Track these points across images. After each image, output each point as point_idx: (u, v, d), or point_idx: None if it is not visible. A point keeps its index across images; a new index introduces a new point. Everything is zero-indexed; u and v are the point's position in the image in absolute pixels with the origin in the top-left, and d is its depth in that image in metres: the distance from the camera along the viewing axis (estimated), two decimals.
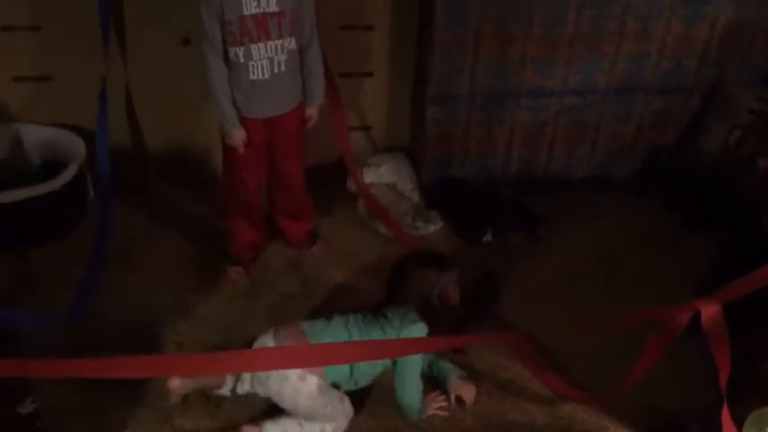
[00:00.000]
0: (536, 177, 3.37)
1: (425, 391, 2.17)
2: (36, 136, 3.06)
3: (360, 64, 3.15)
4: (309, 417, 1.99)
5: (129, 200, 3.08)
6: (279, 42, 2.30)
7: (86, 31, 2.85)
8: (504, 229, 3.04)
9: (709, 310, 1.64)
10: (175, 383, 2.07)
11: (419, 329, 2.04)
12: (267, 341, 2.06)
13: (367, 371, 2.10)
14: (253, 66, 2.30)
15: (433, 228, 3.07)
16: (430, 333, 2.06)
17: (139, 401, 2.15)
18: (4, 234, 2.73)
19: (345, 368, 2.03)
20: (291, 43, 2.34)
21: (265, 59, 2.30)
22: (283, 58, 2.33)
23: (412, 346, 1.94)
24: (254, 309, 2.57)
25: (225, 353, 2.12)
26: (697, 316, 1.68)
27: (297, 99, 2.48)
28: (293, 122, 2.51)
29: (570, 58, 3.05)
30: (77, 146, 2.94)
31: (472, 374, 2.33)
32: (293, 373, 1.93)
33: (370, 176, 3.15)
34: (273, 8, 2.25)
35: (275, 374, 1.96)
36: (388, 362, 2.10)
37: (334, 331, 2.08)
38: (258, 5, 2.23)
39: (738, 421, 1.71)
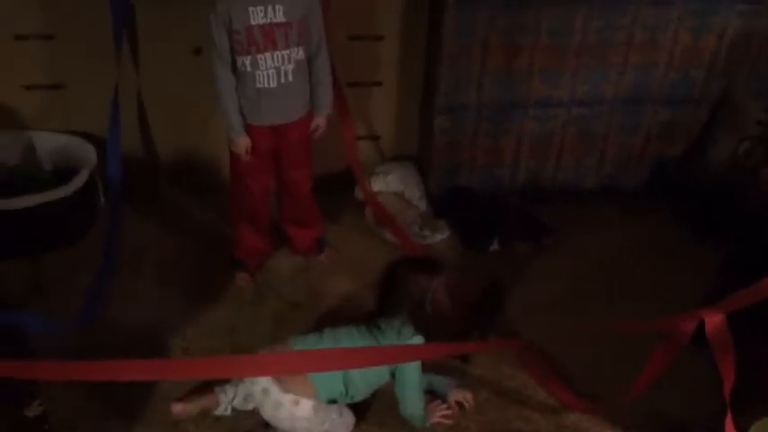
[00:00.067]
0: (544, 187, 3.37)
1: (427, 401, 2.17)
2: (48, 143, 3.10)
3: (369, 73, 3.18)
4: None
5: (138, 206, 3.12)
6: (286, 52, 2.32)
7: (98, 40, 2.89)
8: (510, 238, 3.04)
9: (714, 320, 1.64)
10: (178, 408, 2.09)
11: (417, 342, 2.03)
12: None
13: (362, 386, 2.06)
14: (259, 75, 2.33)
15: (440, 237, 3.08)
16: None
17: (146, 405, 2.17)
18: (15, 240, 2.76)
19: (339, 385, 1.99)
20: (299, 53, 2.37)
21: (272, 69, 2.33)
22: (290, 67, 2.35)
23: (415, 352, 1.95)
24: (261, 315, 2.59)
25: (230, 357, 2.13)
26: (703, 325, 1.68)
27: (304, 108, 2.50)
28: (300, 131, 2.53)
29: (578, 69, 3.06)
30: (89, 153, 2.98)
31: (477, 383, 2.33)
32: (287, 399, 1.92)
33: (377, 185, 3.17)
34: (280, 19, 2.27)
35: (270, 401, 1.95)
36: (384, 375, 2.07)
37: (326, 346, 2.05)
38: (265, 16, 2.26)
39: (742, 431, 1.71)
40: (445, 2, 2.84)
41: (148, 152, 3.26)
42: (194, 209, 3.18)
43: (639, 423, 2.19)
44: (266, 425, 2.06)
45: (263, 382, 1.94)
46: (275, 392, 1.91)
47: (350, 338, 2.06)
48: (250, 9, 2.24)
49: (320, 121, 2.56)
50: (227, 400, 2.11)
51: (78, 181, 2.80)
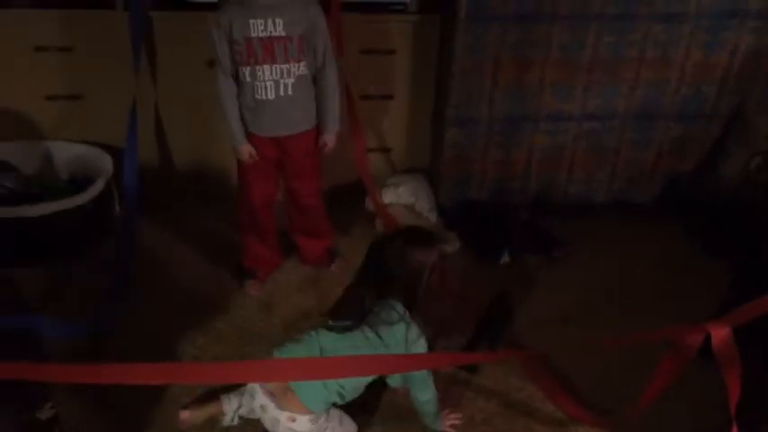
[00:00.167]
0: (554, 201, 3.38)
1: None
2: (66, 152, 3.16)
3: (381, 87, 3.21)
4: None
5: (153, 215, 3.17)
6: (285, 66, 2.35)
7: (115, 52, 2.96)
8: (521, 251, 3.05)
9: (720, 333, 1.63)
10: (185, 415, 2.10)
11: (422, 345, 1.98)
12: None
13: (351, 387, 1.99)
14: (258, 86, 2.37)
15: (450, 249, 3.09)
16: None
17: (156, 409, 2.19)
18: (32, 247, 2.81)
19: (327, 395, 1.94)
20: (300, 68, 2.39)
21: (270, 81, 2.36)
22: (290, 81, 2.38)
23: (422, 361, 1.95)
24: (270, 324, 2.60)
25: (238, 362, 2.14)
26: (709, 339, 1.67)
27: (308, 123, 2.52)
28: (303, 146, 2.54)
29: (589, 84, 3.08)
30: (105, 162, 3.03)
31: (485, 394, 2.33)
32: (283, 416, 1.91)
33: (388, 197, 3.19)
34: (280, 32, 2.31)
35: (268, 417, 1.95)
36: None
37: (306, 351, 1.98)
38: (265, 29, 2.30)
39: None
40: (456, 17, 2.87)
41: (163, 162, 3.31)
42: (206, 217, 3.23)
43: None
44: None
45: (261, 398, 1.94)
46: (272, 409, 1.92)
47: (330, 347, 1.97)
48: (251, 21, 2.29)
49: (328, 138, 2.57)
50: (233, 409, 2.11)
51: (94, 190, 2.85)
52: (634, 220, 3.32)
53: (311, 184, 2.69)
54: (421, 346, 1.98)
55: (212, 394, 2.16)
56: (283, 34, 2.31)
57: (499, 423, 2.25)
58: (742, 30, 3.01)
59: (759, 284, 2.21)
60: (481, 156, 3.22)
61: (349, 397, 2.01)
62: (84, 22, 2.96)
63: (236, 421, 2.13)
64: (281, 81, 2.37)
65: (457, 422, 2.19)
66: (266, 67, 2.34)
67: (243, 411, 2.13)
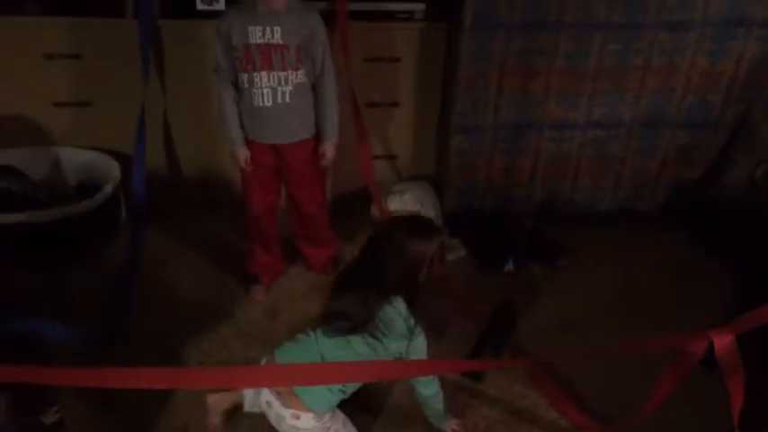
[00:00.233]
0: (560, 209, 3.38)
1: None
2: (74, 159, 3.20)
3: (387, 94, 3.23)
4: None
5: (160, 222, 3.19)
6: (283, 74, 2.37)
7: (123, 59, 2.99)
8: (525, 259, 3.05)
9: (723, 340, 1.63)
10: (213, 398, 2.09)
11: (422, 343, 1.95)
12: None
13: (353, 385, 1.97)
14: (255, 93, 2.39)
15: (455, 256, 3.10)
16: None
17: (161, 414, 2.20)
18: (39, 252, 2.83)
19: (330, 395, 1.93)
20: (298, 77, 2.40)
21: (267, 88, 2.38)
22: (288, 89, 2.39)
23: (426, 367, 1.95)
24: (275, 329, 2.61)
25: (243, 367, 2.16)
26: (712, 346, 1.67)
27: (307, 132, 2.53)
28: (302, 154, 2.55)
29: (594, 92, 3.08)
30: (113, 169, 3.06)
31: (489, 401, 2.33)
32: (287, 413, 1.92)
33: (394, 204, 3.20)
34: (278, 40, 2.33)
35: (273, 414, 1.96)
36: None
37: (302, 343, 2.00)
38: (263, 36, 2.32)
39: None
40: (462, 25, 2.88)
41: (171, 169, 3.33)
42: (213, 224, 3.24)
43: None
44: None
45: (266, 395, 1.94)
46: (276, 406, 1.93)
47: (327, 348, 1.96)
48: (249, 28, 2.32)
49: (326, 148, 2.57)
50: (249, 400, 2.11)
51: (101, 196, 2.88)
52: (639, 228, 3.32)
53: (312, 193, 2.69)
54: (421, 347, 1.96)
55: None
56: (281, 42, 2.33)
57: (503, 430, 2.24)
58: (748, 38, 3.01)
59: (764, 292, 2.22)
60: (486, 163, 3.22)
61: (350, 391, 2.01)
62: (93, 30, 2.99)
63: (256, 408, 2.10)
64: (279, 88, 2.39)
65: (457, 428, 2.18)
66: (264, 73, 2.36)
67: (248, 407, 2.12)
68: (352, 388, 2.00)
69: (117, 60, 3.02)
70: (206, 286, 2.85)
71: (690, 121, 3.19)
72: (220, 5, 2.93)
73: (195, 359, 2.46)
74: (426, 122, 3.32)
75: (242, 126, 2.50)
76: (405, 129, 3.33)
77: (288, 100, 2.41)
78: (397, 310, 1.92)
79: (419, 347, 1.96)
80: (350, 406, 2.06)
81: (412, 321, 1.92)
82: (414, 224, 1.99)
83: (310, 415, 1.92)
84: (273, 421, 1.98)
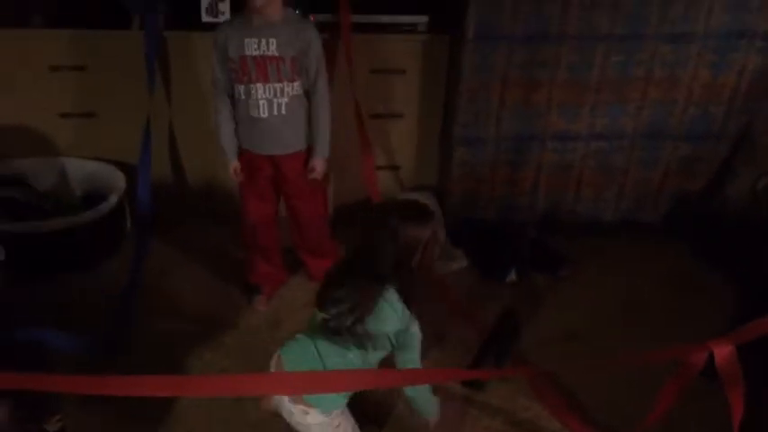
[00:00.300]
0: (562, 219, 3.39)
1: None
2: (79, 169, 3.22)
3: (391, 106, 3.25)
4: None
5: (164, 232, 3.21)
6: (279, 86, 2.39)
7: (128, 71, 3.03)
8: (528, 269, 3.06)
9: (723, 351, 1.64)
10: (265, 404, 2.12)
11: (415, 334, 1.87)
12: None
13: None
14: (251, 104, 2.41)
15: (457, 266, 3.11)
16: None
17: (164, 422, 2.21)
18: (44, 261, 2.85)
19: (343, 395, 1.90)
20: (294, 89, 2.42)
21: (263, 100, 2.40)
22: (284, 101, 2.41)
23: (427, 376, 1.95)
24: (277, 338, 2.61)
25: (245, 375, 2.16)
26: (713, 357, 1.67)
27: (301, 144, 2.54)
28: (297, 165, 2.56)
29: (596, 104, 3.10)
30: (117, 179, 3.08)
31: (492, 413, 2.33)
32: (297, 409, 1.90)
33: None
34: (273, 52, 2.35)
35: (284, 408, 1.96)
36: (372, 361, 1.91)
37: (300, 343, 1.97)
38: (258, 48, 2.34)
39: None
40: (465, 38, 2.90)
41: (175, 179, 3.35)
42: (217, 235, 3.25)
43: None
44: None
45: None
46: (286, 402, 1.93)
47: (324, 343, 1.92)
48: (246, 40, 2.34)
49: (316, 162, 2.55)
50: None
51: (106, 206, 2.90)
52: (641, 239, 3.33)
53: (310, 204, 2.70)
54: (414, 338, 1.89)
55: None
56: (276, 54, 2.35)
57: None
58: (750, 50, 3.02)
59: (766, 304, 2.22)
60: (489, 174, 3.24)
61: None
62: (99, 42, 3.03)
63: None
64: (275, 100, 2.41)
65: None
66: (259, 85, 2.38)
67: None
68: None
69: (122, 72, 3.05)
70: (209, 296, 2.86)
71: (692, 132, 3.20)
72: (226, 17, 2.96)
73: (197, 369, 2.47)
74: (429, 133, 3.34)
75: (238, 137, 2.52)
76: (408, 139, 3.34)
77: (284, 112, 2.43)
78: (392, 307, 1.84)
79: (412, 339, 1.89)
80: (355, 416, 2.05)
81: (406, 313, 1.86)
82: (407, 209, 1.94)
83: (318, 410, 1.91)
84: (286, 415, 1.98)
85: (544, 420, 2.32)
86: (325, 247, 2.85)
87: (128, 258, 2.99)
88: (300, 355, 1.95)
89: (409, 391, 1.99)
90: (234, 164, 2.55)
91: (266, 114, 2.42)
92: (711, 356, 1.69)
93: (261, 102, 2.40)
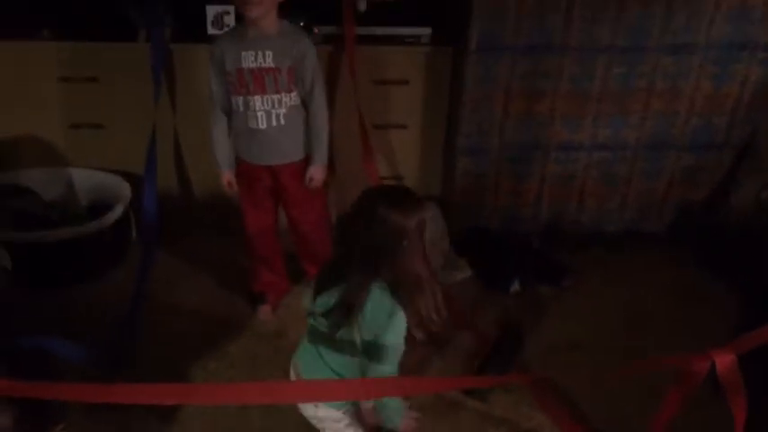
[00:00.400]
0: (566, 230, 3.39)
1: None
2: (86, 180, 3.25)
3: (394, 116, 3.27)
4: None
5: (170, 242, 3.24)
6: (276, 97, 2.41)
7: (136, 82, 3.06)
8: (532, 279, 3.06)
9: (724, 360, 1.64)
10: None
11: (399, 321, 1.72)
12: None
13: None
14: (250, 116, 2.43)
15: (461, 276, 3.11)
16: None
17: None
18: (50, 271, 2.87)
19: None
20: (292, 99, 2.44)
21: (262, 111, 2.42)
22: (282, 111, 2.43)
23: (428, 385, 1.96)
24: (282, 348, 2.63)
25: (251, 383, 2.17)
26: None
27: (301, 153, 2.55)
28: (298, 174, 2.57)
29: (599, 114, 3.11)
30: (124, 190, 3.11)
31: (495, 422, 2.33)
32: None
33: None
34: (269, 64, 2.37)
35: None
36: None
37: (307, 349, 1.94)
38: (255, 60, 2.37)
39: None
40: (467, 49, 2.93)
41: (181, 190, 3.38)
42: (223, 245, 3.26)
43: None
44: None
45: (293, 377, 1.96)
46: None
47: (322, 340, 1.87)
48: (242, 53, 2.36)
49: (314, 171, 2.56)
50: None
51: (112, 216, 2.92)
52: (645, 249, 3.33)
53: (310, 213, 2.71)
54: (398, 329, 1.74)
55: None
56: (273, 66, 2.37)
57: None
58: (752, 62, 3.03)
59: None
60: (492, 185, 3.25)
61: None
62: (107, 54, 3.06)
63: None
64: (273, 111, 2.43)
65: (415, 423, 2.05)
66: (257, 97, 2.40)
67: None
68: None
69: (128, 84, 3.09)
70: (214, 307, 2.88)
71: (695, 143, 3.20)
72: None
73: (201, 378, 2.48)
74: (433, 144, 3.35)
75: (236, 148, 2.55)
76: (411, 150, 3.36)
77: (282, 122, 2.45)
78: (381, 305, 1.74)
79: (395, 329, 1.74)
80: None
81: (394, 308, 1.73)
82: (394, 196, 1.79)
83: (326, 404, 1.90)
84: (300, 408, 1.99)
85: (547, 430, 2.32)
86: (327, 255, 2.86)
87: (133, 268, 3.01)
88: (311, 361, 1.95)
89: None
90: (227, 175, 2.57)
91: (265, 125, 2.44)
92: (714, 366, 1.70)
93: (259, 113, 2.42)
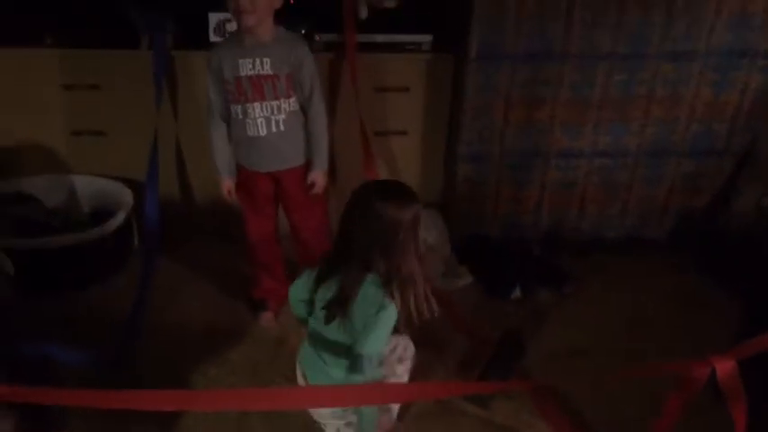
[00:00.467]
0: (567, 236, 3.40)
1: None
2: (88, 186, 3.26)
3: (395, 123, 3.28)
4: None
5: (171, 249, 3.24)
6: (275, 103, 2.42)
7: (138, 90, 3.07)
8: (532, 286, 3.06)
9: (725, 366, 1.64)
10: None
11: (387, 315, 1.74)
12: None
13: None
14: (249, 123, 2.44)
15: (462, 283, 3.12)
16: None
17: None
18: (52, 277, 2.88)
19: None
20: (291, 105, 2.45)
21: (262, 118, 2.43)
22: (281, 117, 2.44)
23: (429, 391, 1.96)
24: (283, 354, 2.63)
25: (252, 389, 2.17)
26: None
27: (300, 158, 2.56)
28: (299, 179, 2.58)
29: (599, 121, 3.12)
30: (125, 196, 3.12)
31: (494, 429, 2.33)
32: None
33: None
34: (268, 71, 2.38)
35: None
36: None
37: (312, 358, 1.96)
38: (253, 68, 2.38)
39: None
40: (468, 57, 2.94)
41: (183, 196, 3.39)
42: (224, 252, 3.27)
43: None
44: None
45: (299, 378, 1.97)
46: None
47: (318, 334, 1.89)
48: (240, 61, 2.37)
49: (315, 176, 2.57)
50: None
51: (114, 223, 2.93)
52: (646, 256, 3.33)
53: (311, 218, 2.71)
54: (388, 319, 1.76)
55: None
56: (271, 72, 2.38)
57: None
58: (752, 69, 3.04)
59: None
60: (493, 191, 3.26)
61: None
62: (109, 61, 3.08)
63: None
64: (273, 117, 2.43)
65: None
66: (256, 104, 2.41)
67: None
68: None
69: (131, 90, 3.10)
70: (216, 313, 2.88)
71: (695, 149, 3.21)
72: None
73: (202, 385, 2.48)
74: (434, 151, 3.36)
75: (236, 156, 2.56)
76: (412, 157, 3.37)
77: (282, 128, 2.45)
78: (373, 299, 1.76)
79: (383, 322, 1.76)
80: None
81: (384, 302, 1.75)
82: (389, 190, 1.82)
83: None
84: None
85: None
86: None
87: (135, 274, 3.01)
88: (313, 363, 1.96)
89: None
90: (227, 183, 2.58)
91: (265, 132, 2.45)
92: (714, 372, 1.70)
93: (259, 120, 2.43)
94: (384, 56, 3.15)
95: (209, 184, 3.30)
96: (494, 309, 2.97)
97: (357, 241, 1.76)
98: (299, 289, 1.97)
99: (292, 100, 2.45)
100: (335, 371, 1.89)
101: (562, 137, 3.14)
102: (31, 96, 3.12)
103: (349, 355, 1.81)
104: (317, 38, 3.10)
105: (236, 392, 1.96)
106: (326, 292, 1.82)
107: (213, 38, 3.04)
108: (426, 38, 3.16)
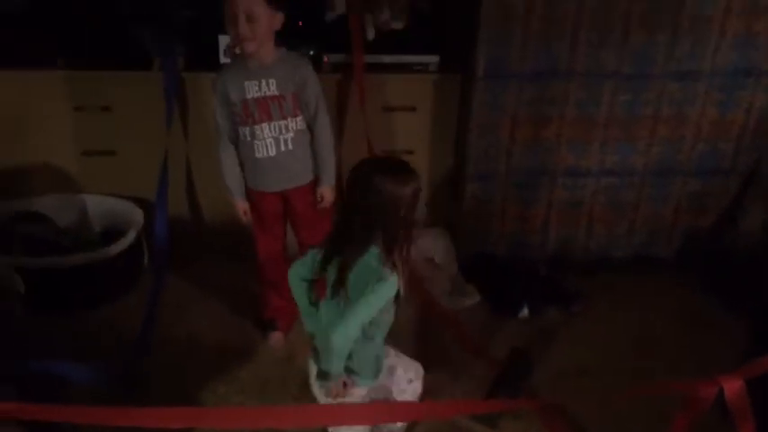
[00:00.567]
0: (574, 255, 3.40)
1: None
2: (99, 206, 3.30)
3: (402, 142, 3.31)
4: None
5: (181, 268, 3.26)
6: (283, 122, 2.44)
7: (147, 111, 3.12)
8: (540, 305, 3.07)
9: (733, 386, 1.64)
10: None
11: (385, 287, 1.75)
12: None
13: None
14: (258, 144, 2.46)
15: (469, 302, 3.12)
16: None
17: None
18: (61, 295, 2.91)
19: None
20: (298, 123, 2.47)
21: (270, 138, 2.45)
22: (290, 136, 2.46)
23: (439, 409, 1.96)
24: (291, 373, 2.64)
25: (261, 408, 2.18)
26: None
27: (309, 175, 2.58)
28: (307, 197, 2.60)
29: (606, 141, 3.14)
30: (136, 215, 3.15)
31: None
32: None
33: None
34: (273, 92, 2.41)
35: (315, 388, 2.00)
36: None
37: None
38: (259, 90, 2.41)
39: None
40: (474, 76, 2.97)
41: (192, 215, 3.42)
42: (234, 271, 3.28)
43: None
44: None
45: (312, 370, 1.98)
46: (315, 387, 1.98)
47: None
48: (245, 84, 2.41)
49: (323, 191, 2.60)
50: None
51: (124, 242, 2.96)
52: (653, 275, 3.33)
53: (319, 237, 2.68)
54: (387, 290, 1.76)
55: None
56: (277, 93, 2.41)
57: None
58: (757, 89, 3.06)
59: None
60: (500, 210, 3.27)
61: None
62: (120, 82, 3.12)
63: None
64: (281, 137, 2.46)
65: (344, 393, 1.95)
66: (264, 125, 2.44)
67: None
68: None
69: (141, 111, 3.14)
70: (225, 332, 2.90)
71: (701, 168, 3.22)
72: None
73: (211, 403, 2.49)
74: (440, 170, 3.39)
75: (245, 177, 2.58)
76: (420, 175, 3.38)
77: (290, 147, 2.48)
78: (372, 269, 1.76)
79: (382, 290, 1.76)
80: None
81: (384, 274, 1.74)
82: (389, 165, 1.81)
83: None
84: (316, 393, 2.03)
85: None
86: None
87: (145, 293, 3.03)
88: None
89: (336, 332, 1.77)
90: (241, 205, 2.61)
91: (274, 152, 2.47)
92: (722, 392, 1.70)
93: (268, 140, 2.46)
94: (391, 76, 3.19)
95: (219, 203, 3.34)
96: (501, 327, 2.98)
97: (358, 217, 1.78)
98: (301, 268, 1.98)
99: (299, 118, 2.48)
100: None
101: (568, 155, 3.15)
102: (42, 117, 3.16)
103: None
104: (325, 59, 3.14)
105: (244, 410, 1.97)
106: (334, 272, 1.84)
107: (223, 59, 3.08)
108: (433, 59, 3.20)
